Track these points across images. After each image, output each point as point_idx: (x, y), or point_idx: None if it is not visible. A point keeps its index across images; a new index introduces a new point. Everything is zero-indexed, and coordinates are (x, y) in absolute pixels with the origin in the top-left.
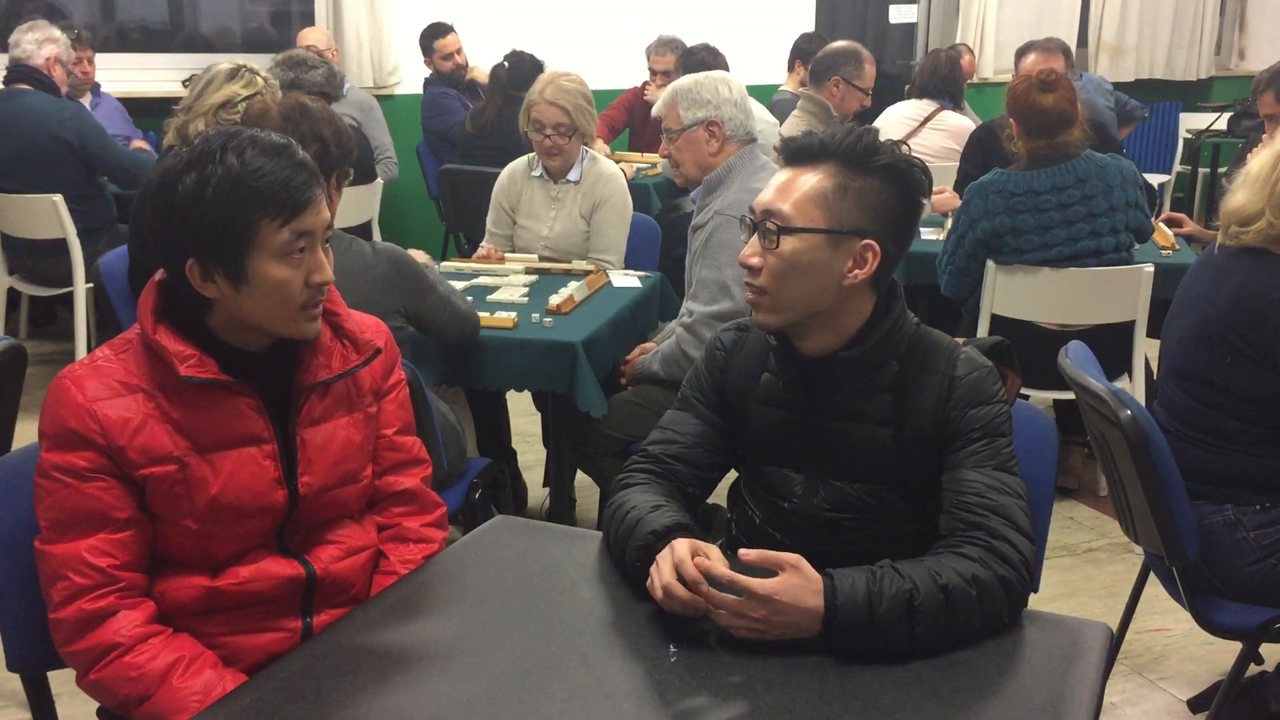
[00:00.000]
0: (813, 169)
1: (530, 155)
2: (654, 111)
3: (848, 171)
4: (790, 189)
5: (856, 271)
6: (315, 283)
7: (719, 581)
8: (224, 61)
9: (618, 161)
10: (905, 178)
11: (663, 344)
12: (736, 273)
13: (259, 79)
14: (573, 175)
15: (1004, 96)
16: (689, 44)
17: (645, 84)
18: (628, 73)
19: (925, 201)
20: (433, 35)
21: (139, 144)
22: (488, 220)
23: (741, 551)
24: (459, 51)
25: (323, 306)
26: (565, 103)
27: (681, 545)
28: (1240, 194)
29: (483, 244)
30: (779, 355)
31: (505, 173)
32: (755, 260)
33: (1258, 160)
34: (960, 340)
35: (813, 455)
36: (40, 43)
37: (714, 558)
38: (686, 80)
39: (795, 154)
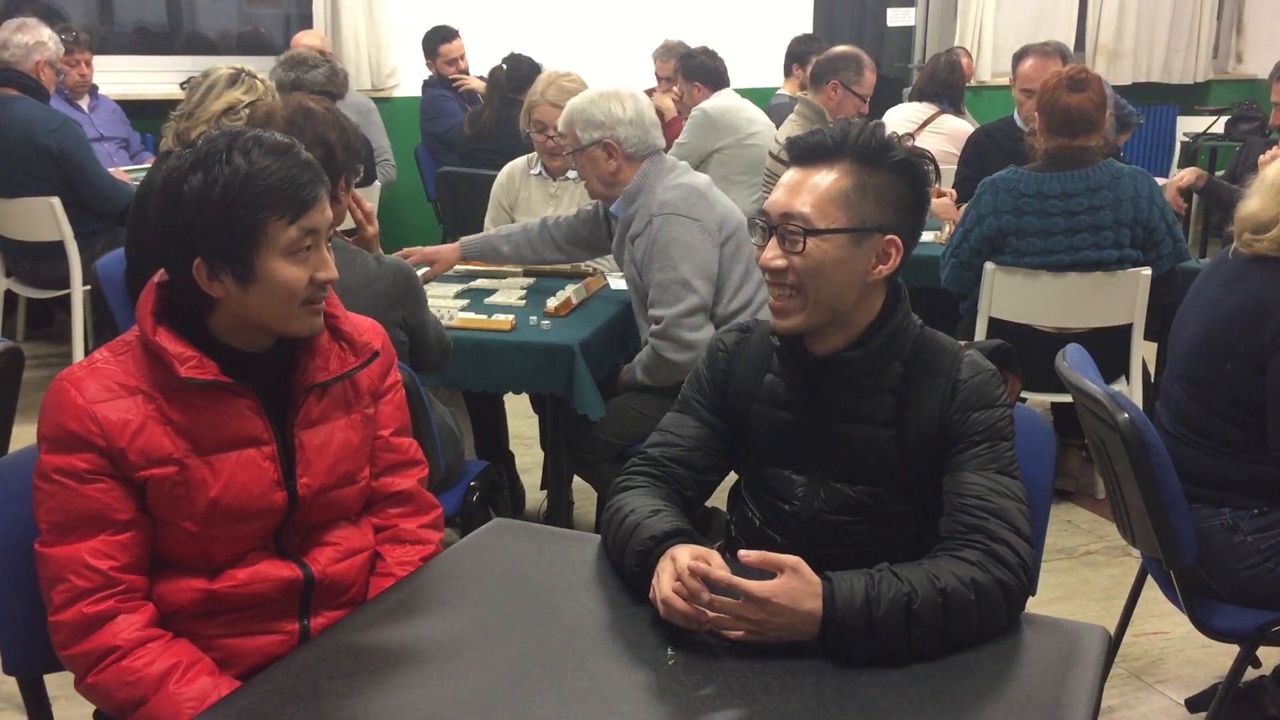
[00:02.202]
0: (826, 168)
1: (530, 154)
2: (558, 126)
3: (863, 169)
4: (806, 190)
5: (880, 267)
6: (320, 279)
7: (717, 585)
8: (222, 65)
9: None
10: (916, 171)
11: (641, 353)
12: (694, 266)
13: (259, 83)
14: (572, 173)
15: (1002, 99)
16: (690, 47)
17: (651, 90)
18: (627, 76)
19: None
20: (438, 39)
21: (123, 174)
22: (486, 219)
23: (741, 553)
24: (462, 57)
25: (323, 305)
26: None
27: (683, 555)
28: (1255, 200)
29: None
30: (783, 356)
31: (504, 171)
32: (779, 262)
33: (1273, 167)
34: (962, 344)
35: (815, 457)
36: (29, 47)
37: (714, 563)
38: (581, 99)
39: (805, 153)
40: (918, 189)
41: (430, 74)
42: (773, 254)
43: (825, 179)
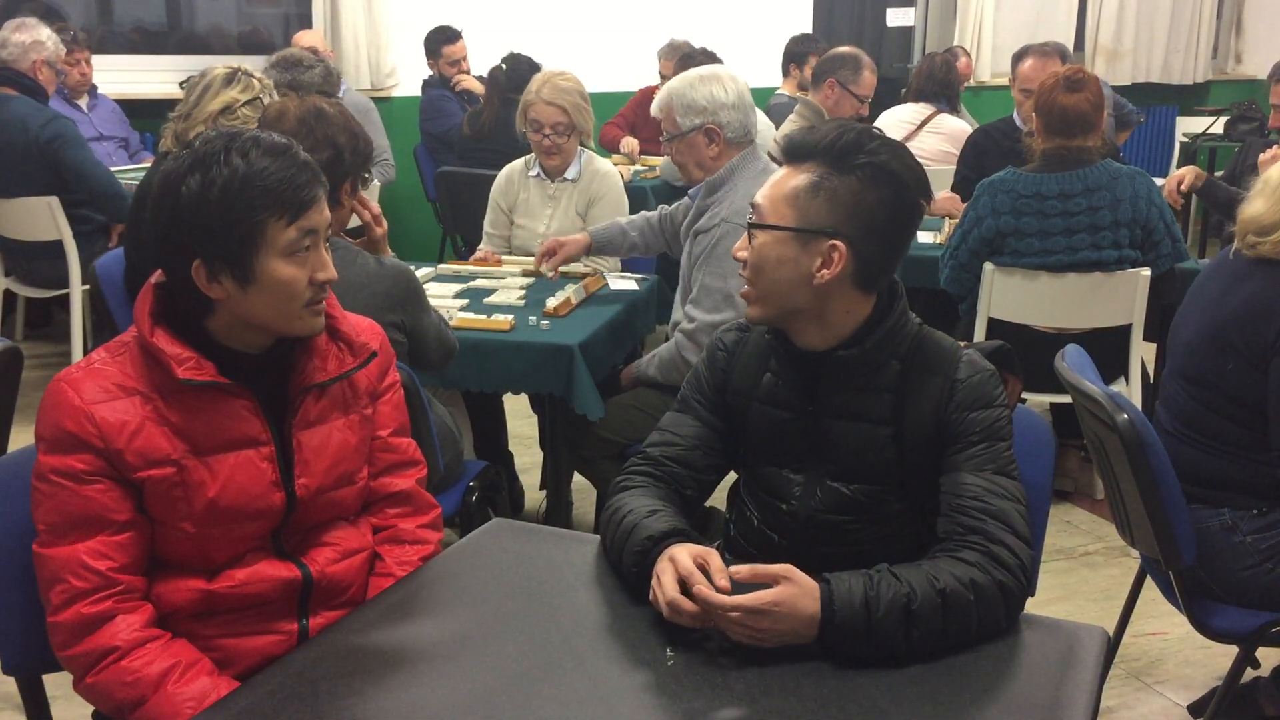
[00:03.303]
0: (801, 167)
1: (528, 156)
2: (652, 111)
3: (827, 170)
4: (774, 186)
5: (824, 271)
6: (319, 280)
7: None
8: (219, 65)
9: (615, 165)
10: (890, 179)
11: (660, 348)
12: (741, 283)
13: (255, 82)
14: (570, 174)
15: (1001, 99)
16: (691, 46)
17: (655, 88)
18: (627, 75)
19: (920, 203)
20: (441, 40)
21: (129, 183)
22: (485, 221)
23: (731, 569)
24: (464, 58)
25: (324, 305)
26: (563, 102)
27: (681, 555)
28: (1258, 202)
29: (480, 247)
30: (779, 354)
31: (503, 173)
32: (741, 254)
33: (1276, 169)
34: (961, 344)
35: (812, 456)
36: (26, 46)
37: (713, 565)
38: (680, 84)
39: (789, 152)
40: (887, 196)
41: (430, 74)
42: (739, 244)
43: (792, 177)
